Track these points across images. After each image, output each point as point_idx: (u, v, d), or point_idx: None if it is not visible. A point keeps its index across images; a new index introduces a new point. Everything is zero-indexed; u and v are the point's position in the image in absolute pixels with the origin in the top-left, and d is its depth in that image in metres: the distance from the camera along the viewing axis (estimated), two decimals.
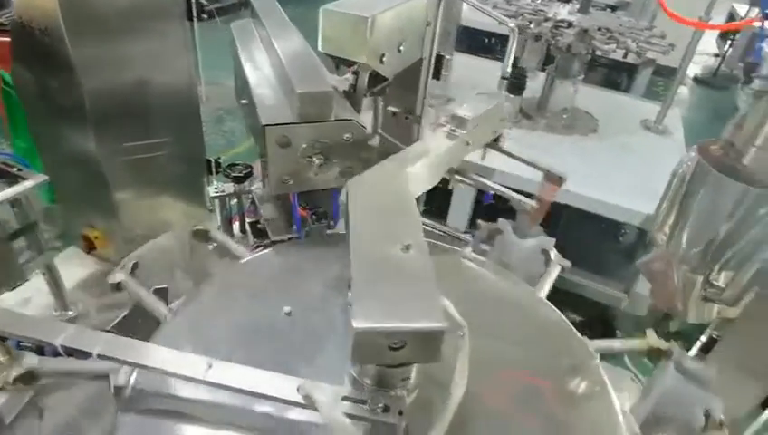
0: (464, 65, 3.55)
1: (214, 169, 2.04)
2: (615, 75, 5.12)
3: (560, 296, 1.21)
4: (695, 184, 0.89)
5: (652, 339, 1.06)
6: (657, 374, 1.13)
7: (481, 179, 1.26)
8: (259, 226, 1.27)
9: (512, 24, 1.39)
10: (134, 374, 0.79)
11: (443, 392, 0.71)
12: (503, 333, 0.94)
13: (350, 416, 0.69)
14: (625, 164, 2.81)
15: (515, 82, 2.99)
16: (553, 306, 1.05)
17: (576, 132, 3.09)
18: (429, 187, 1.05)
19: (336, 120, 0.97)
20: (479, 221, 1.35)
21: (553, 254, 1.21)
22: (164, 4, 1.66)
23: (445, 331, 0.59)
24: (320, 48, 1.12)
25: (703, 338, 1.98)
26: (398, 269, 0.69)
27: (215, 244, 1.17)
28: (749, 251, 0.87)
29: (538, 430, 0.82)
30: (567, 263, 1.19)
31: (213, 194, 1.38)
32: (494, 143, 1.29)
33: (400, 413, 0.70)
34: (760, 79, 0.77)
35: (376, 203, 0.83)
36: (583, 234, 2.61)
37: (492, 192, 1.31)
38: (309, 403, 0.68)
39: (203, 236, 1.16)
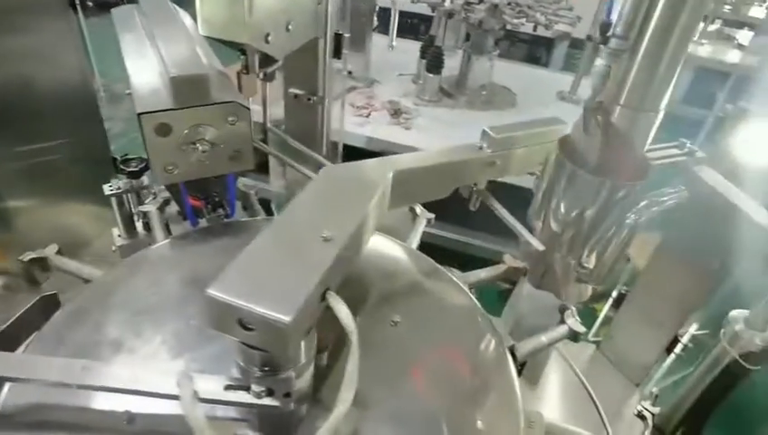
0: (384, 47, 3.53)
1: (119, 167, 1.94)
2: (534, 50, 5.28)
3: (481, 264, 1.24)
4: (556, 176, 0.93)
5: (509, 259, 1.18)
6: (516, 291, 1.19)
7: (499, 208, 1.13)
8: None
9: None
10: (5, 389, 0.74)
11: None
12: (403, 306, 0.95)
13: (233, 404, 0.68)
14: None
15: (433, 61, 3.05)
16: (452, 277, 1.07)
17: (495, 108, 3.16)
18: (431, 197, 1.01)
19: (216, 103, 0.94)
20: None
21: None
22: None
23: (288, 326, 0.57)
24: (200, 31, 1.07)
25: (614, 294, 2.11)
26: (295, 255, 0.67)
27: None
28: (610, 234, 0.92)
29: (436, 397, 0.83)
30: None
31: (108, 192, 1.31)
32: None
33: (287, 395, 0.69)
34: (615, 38, 0.80)
35: (331, 192, 0.81)
36: (503, 205, 2.68)
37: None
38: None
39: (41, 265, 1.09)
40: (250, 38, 1.05)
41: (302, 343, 0.71)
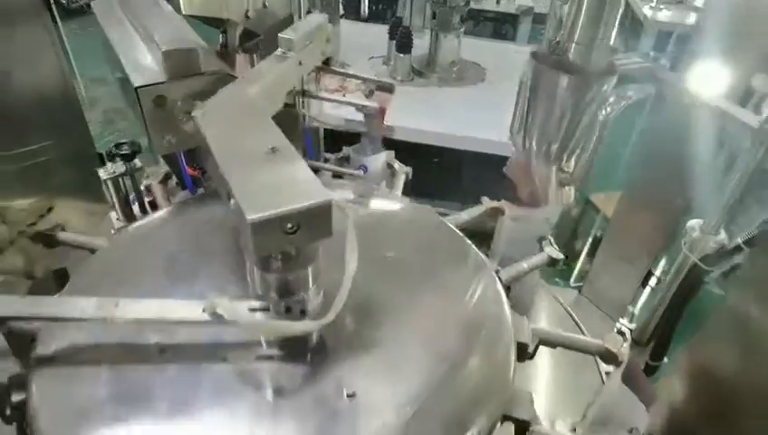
0: (354, 32, 3.61)
1: (107, 160, 1.98)
2: (500, 27, 5.40)
3: (467, 233, 1.33)
4: (533, 85, 1.02)
5: (486, 201, 1.29)
6: (497, 228, 1.31)
7: (323, 95, 1.34)
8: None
9: None
10: (43, 332, 0.80)
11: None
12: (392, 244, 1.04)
13: (257, 323, 0.76)
14: (511, 105, 3.02)
15: (403, 41, 3.13)
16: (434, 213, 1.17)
17: (466, 83, 3.27)
18: (274, 109, 1.07)
19: (208, 73, 1.01)
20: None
21: (397, 164, 1.41)
22: (11, 3, 1.57)
23: (331, 203, 0.65)
24: (183, 11, 1.14)
25: (590, 240, 2.23)
26: (271, 165, 0.72)
27: None
28: (586, 135, 1.02)
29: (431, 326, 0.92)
30: (408, 169, 1.39)
31: (104, 176, 1.37)
32: (326, 66, 1.38)
33: (302, 312, 0.78)
34: None
35: (230, 121, 0.83)
36: (484, 173, 2.78)
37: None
38: (216, 318, 0.74)
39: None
40: (232, 13, 1.12)
41: (310, 269, 0.79)
